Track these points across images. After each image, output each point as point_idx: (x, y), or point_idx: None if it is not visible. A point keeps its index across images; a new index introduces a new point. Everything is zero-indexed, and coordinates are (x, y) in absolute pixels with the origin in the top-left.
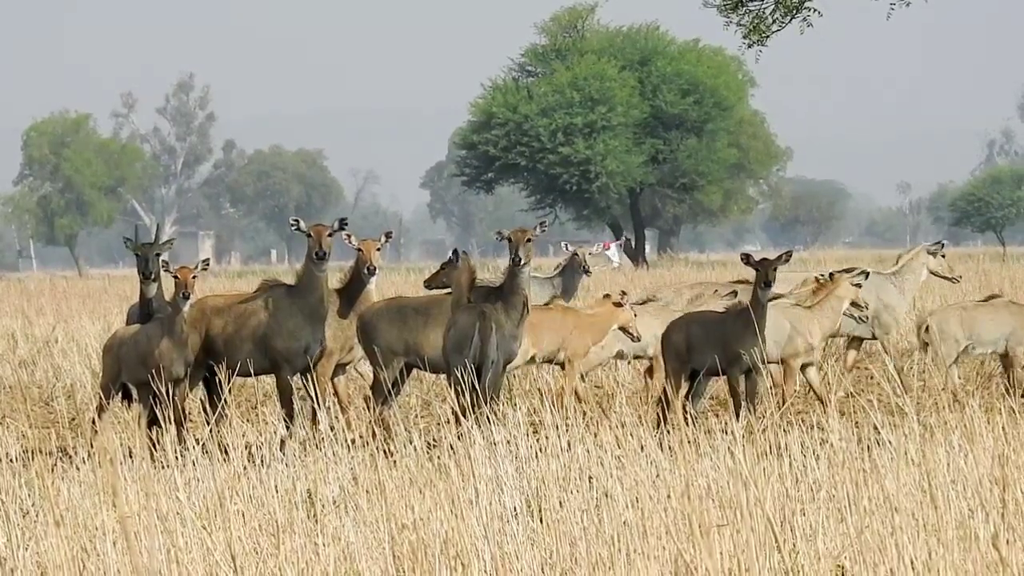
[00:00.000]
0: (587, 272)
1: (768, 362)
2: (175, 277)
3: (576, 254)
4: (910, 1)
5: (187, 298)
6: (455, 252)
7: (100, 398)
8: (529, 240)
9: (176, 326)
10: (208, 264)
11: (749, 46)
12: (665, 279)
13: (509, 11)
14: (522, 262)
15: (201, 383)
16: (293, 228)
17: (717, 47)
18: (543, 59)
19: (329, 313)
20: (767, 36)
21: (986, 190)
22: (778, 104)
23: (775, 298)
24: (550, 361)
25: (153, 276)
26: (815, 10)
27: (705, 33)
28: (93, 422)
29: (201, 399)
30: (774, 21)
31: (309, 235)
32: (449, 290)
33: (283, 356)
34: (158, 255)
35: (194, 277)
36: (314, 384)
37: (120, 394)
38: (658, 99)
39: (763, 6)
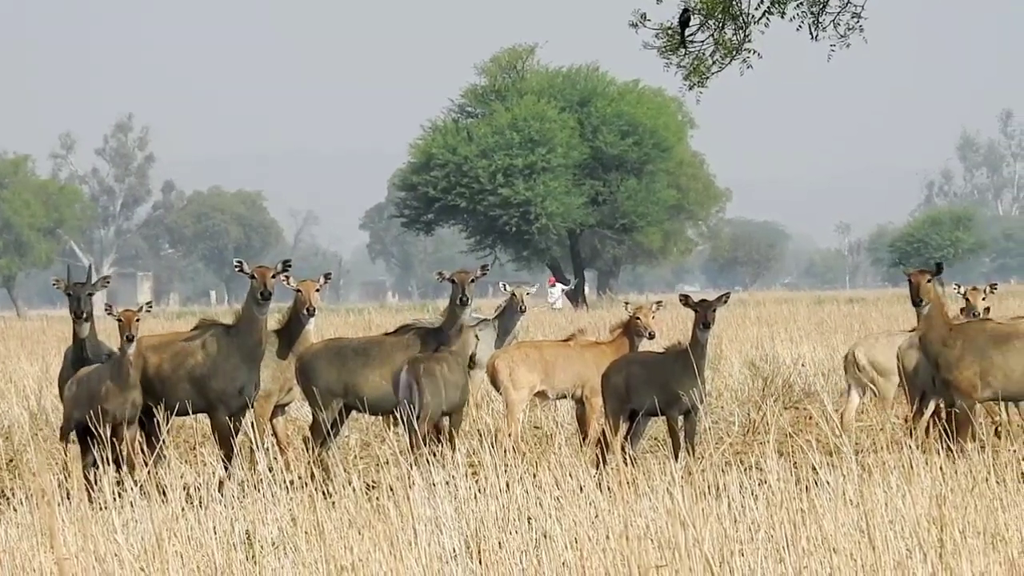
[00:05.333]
0: (523, 311)
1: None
2: (119, 320)
3: (514, 294)
4: (850, 43)
5: (131, 340)
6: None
7: (63, 435)
8: (472, 281)
9: (122, 368)
10: (151, 306)
11: (689, 88)
12: (604, 320)
13: (449, 52)
14: (468, 301)
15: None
16: (236, 270)
17: (657, 88)
18: (483, 100)
19: (268, 354)
20: (707, 78)
21: (925, 231)
22: (718, 145)
23: None
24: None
25: (85, 316)
26: (755, 51)
27: (645, 74)
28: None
29: (140, 440)
30: (714, 63)
31: (253, 276)
32: (386, 331)
33: (219, 396)
34: (90, 295)
35: (137, 320)
36: (252, 424)
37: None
38: (598, 140)
39: (703, 48)
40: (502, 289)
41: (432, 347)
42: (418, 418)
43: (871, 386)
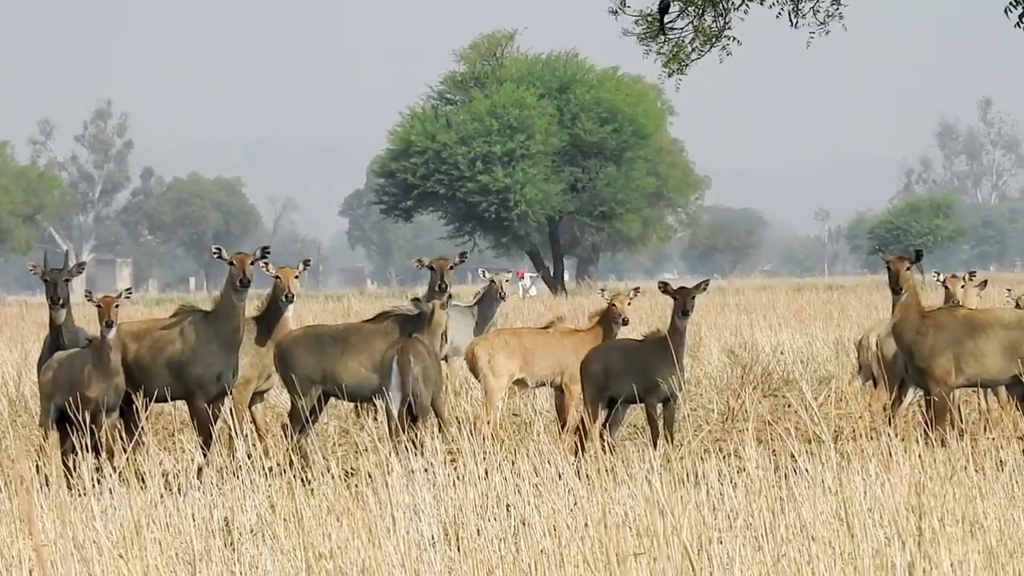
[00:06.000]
0: (502, 298)
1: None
2: (98, 306)
3: (493, 281)
4: (830, 29)
5: (110, 327)
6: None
7: (42, 422)
8: (451, 268)
9: (103, 355)
10: (131, 293)
11: (669, 75)
12: (583, 307)
13: (428, 39)
14: (447, 288)
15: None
16: (215, 256)
17: (636, 75)
18: (462, 87)
19: (246, 341)
20: (686, 65)
21: (904, 218)
22: (697, 132)
23: None
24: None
25: (61, 302)
26: (734, 38)
27: (624, 61)
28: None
29: (118, 427)
30: (693, 50)
31: (231, 263)
32: (365, 318)
33: (197, 383)
34: (67, 280)
35: (117, 306)
36: (231, 411)
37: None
38: (577, 127)
39: (682, 35)
40: (481, 276)
41: (409, 335)
42: (411, 404)
43: (879, 373)
